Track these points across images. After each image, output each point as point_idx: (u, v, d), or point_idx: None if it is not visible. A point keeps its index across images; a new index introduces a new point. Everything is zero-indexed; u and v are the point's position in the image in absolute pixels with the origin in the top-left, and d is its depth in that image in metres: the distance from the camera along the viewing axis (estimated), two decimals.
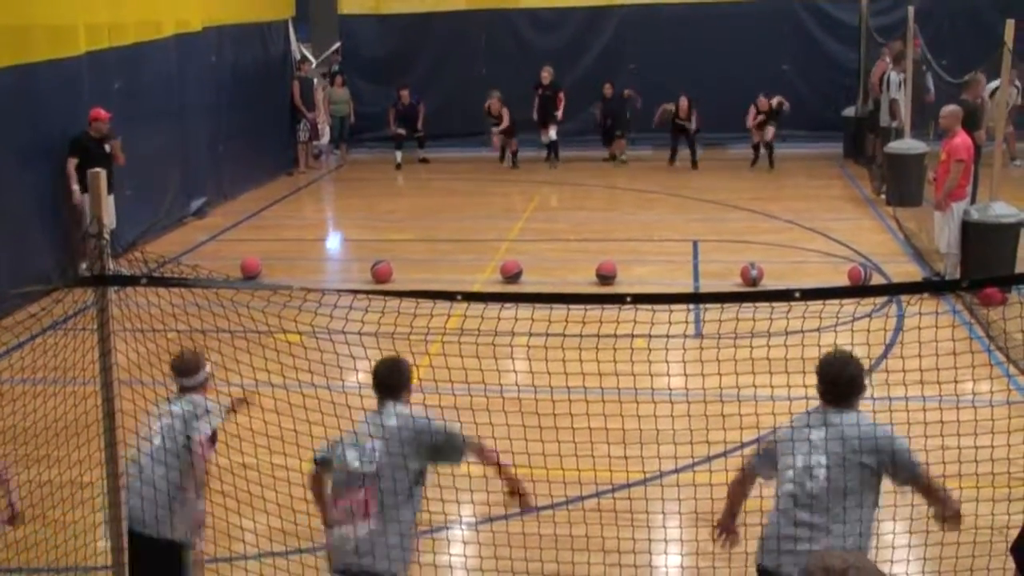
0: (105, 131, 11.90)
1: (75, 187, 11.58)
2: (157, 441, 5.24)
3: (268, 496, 5.50)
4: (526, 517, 6.02)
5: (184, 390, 5.38)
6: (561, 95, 18.69)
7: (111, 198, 11.34)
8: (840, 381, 4.99)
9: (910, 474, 4.84)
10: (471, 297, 4.24)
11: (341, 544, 4.77)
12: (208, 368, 5.43)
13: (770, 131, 17.95)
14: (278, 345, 5.38)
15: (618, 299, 4.05)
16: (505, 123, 18.60)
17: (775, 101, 17.92)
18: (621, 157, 19.00)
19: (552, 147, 18.99)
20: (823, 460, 4.79)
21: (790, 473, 4.87)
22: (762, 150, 18.12)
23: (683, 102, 18.07)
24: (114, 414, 4.81)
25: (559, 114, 18.77)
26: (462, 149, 18.96)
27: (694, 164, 18.42)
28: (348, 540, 4.73)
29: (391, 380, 5.15)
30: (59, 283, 5.38)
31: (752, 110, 17.97)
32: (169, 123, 14.71)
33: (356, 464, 4.81)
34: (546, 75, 18.71)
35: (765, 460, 5.19)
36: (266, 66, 18.35)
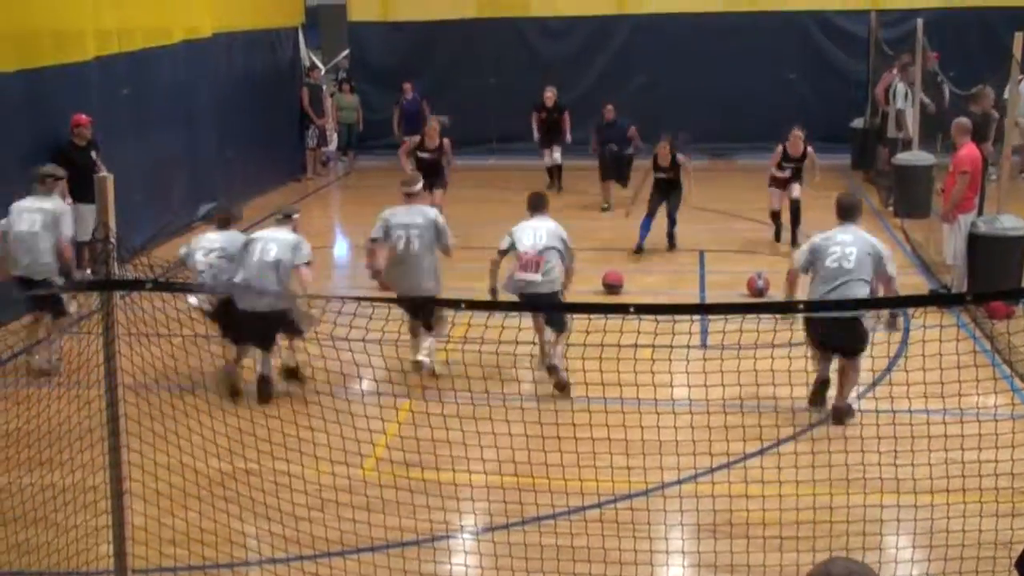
0: (89, 137, 11.71)
1: (67, 199, 11.50)
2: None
3: (270, 502, 5.51)
4: (528, 527, 6.01)
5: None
6: (567, 116, 17.40)
7: (93, 207, 11.30)
8: (852, 204, 8.53)
9: (885, 272, 8.00)
10: (475, 305, 4.24)
11: (526, 285, 8.90)
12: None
13: (796, 188, 13.39)
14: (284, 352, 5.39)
15: (622, 309, 4.05)
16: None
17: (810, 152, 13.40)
18: (604, 205, 16.24)
19: (556, 171, 17.71)
20: (853, 250, 7.99)
21: (834, 255, 8.01)
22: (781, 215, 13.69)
23: (663, 148, 13.47)
24: (118, 418, 4.82)
25: (567, 137, 17.47)
26: (470, 157, 18.95)
27: (671, 243, 13.69)
28: (532, 282, 8.88)
29: (541, 202, 9.73)
30: (65, 287, 5.39)
31: (778, 151, 13.48)
32: (178, 128, 14.75)
33: (531, 244, 9.08)
34: (550, 96, 17.37)
35: (807, 264, 8.22)
36: (275, 72, 18.40)
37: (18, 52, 11.12)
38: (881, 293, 8.02)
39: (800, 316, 7.61)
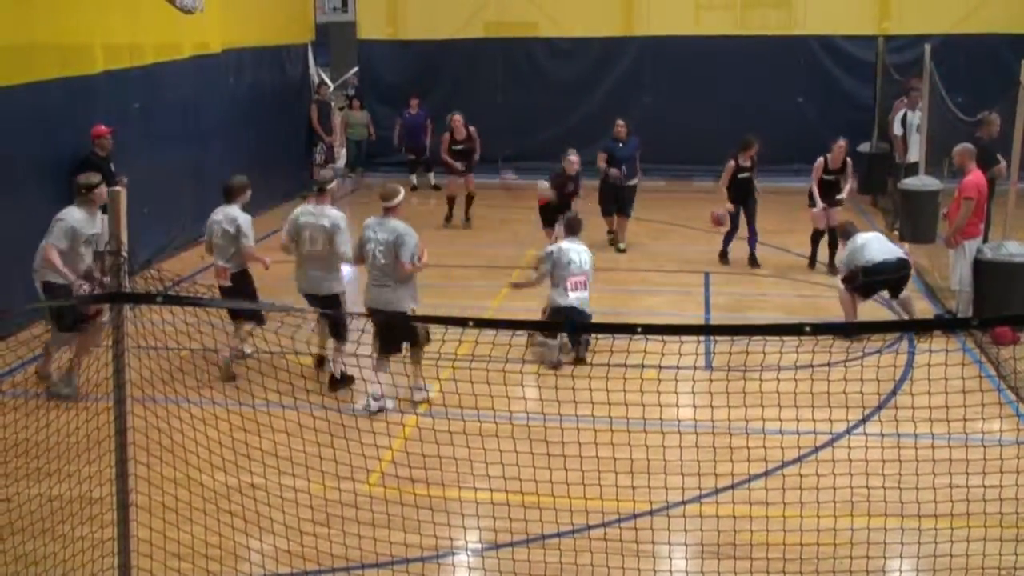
0: (110, 148, 11.78)
1: None
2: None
3: (276, 517, 5.52)
4: (533, 545, 6.02)
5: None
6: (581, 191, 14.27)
7: (107, 218, 11.36)
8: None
9: None
10: (482, 324, 4.27)
11: (579, 302, 9.92)
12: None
13: (837, 213, 13.31)
14: (290, 367, 5.41)
15: (628, 329, 4.07)
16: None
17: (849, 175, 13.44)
18: (620, 245, 15.01)
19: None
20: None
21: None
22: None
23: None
24: (126, 430, 4.85)
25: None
26: (476, 175, 18.99)
27: (753, 262, 13.67)
28: (581, 299, 9.98)
29: (579, 226, 10.86)
30: (75, 300, 5.43)
31: (819, 165, 13.39)
32: (186, 143, 14.83)
33: (579, 266, 10.20)
34: (574, 162, 13.95)
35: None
36: (284, 89, 18.49)
37: (28, 65, 11.20)
38: None
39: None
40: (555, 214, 13.38)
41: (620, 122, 14.88)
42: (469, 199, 16.92)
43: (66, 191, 11.75)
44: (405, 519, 5.72)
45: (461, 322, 4.23)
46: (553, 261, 10.17)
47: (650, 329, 4.08)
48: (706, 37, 19.36)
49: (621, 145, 14.75)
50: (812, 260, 13.72)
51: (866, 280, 10.48)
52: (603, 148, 14.86)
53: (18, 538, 6.12)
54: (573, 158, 13.91)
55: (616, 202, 14.82)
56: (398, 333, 8.52)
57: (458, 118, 16.54)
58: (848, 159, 13.51)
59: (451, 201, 16.97)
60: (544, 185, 13.99)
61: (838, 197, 13.39)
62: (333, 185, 10.06)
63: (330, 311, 8.72)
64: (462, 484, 5.97)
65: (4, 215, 10.88)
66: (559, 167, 14.01)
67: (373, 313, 8.51)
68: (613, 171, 14.56)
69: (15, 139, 11.05)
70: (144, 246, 13.05)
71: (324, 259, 9.25)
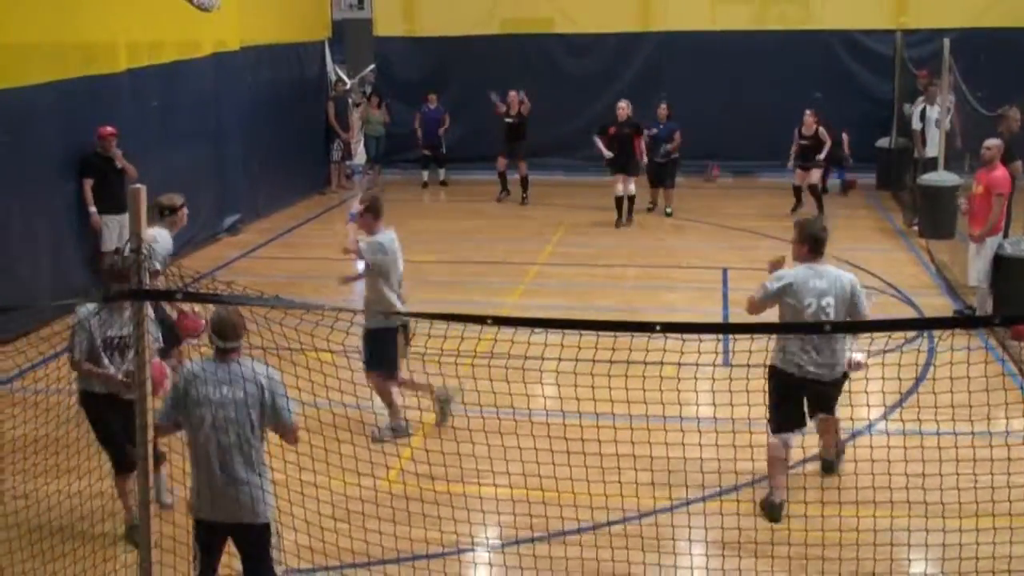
0: (112, 149, 11.66)
1: (92, 209, 11.59)
2: None
3: (297, 512, 5.53)
4: (553, 540, 6.02)
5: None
6: (641, 139, 15.96)
7: (116, 217, 11.43)
8: (824, 237, 6.81)
9: (859, 308, 6.70)
10: (501, 321, 4.26)
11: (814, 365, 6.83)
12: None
13: (815, 174, 16.08)
14: (309, 363, 5.41)
15: (647, 327, 4.06)
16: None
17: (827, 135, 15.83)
18: (667, 210, 16.69)
19: (628, 203, 16.08)
20: (831, 300, 6.60)
21: (810, 310, 6.57)
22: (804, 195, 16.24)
23: (809, 117, 16.00)
24: (147, 426, 4.86)
25: (643, 159, 16.03)
26: (491, 172, 19.00)
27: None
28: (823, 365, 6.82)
29: (824, 240, 7.17)
30: (96, 296, 5.45)
31: (795, 133, 16.28)
32: (205, 141, 14.87)
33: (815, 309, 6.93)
34: (623, 109, 15.84)
35: (771, 299, 6.77)
36: (301, 86, 18.53)
37: (50, 64, 11.26)
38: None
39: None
40: (619, 156, 15.73)
41: (663, 105, 16.54)
42: (524, 180, 17.90)
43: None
44: (425, 515, 5.72)
45: (480, 319, 4.22)
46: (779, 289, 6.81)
47: (669, 327, 4.06)
48: (723, 32, 19.28)
49: (661, 126, 16.35)
50: (795, 209, 16.20)
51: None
52: (645, 126, 16.27)
53: (35, 535, 6.15)
54: (622, 103, 15.96)
55: (659, 175, 16.54)
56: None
57: (514, 94, 17.79)
58: (821, 127, 15.97)
59: (503, 176, 18.18)
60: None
61: (816, 158, 16.01)
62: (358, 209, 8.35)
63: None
64: (481, 480, 5.96)
65: (30, 212, 10.95)
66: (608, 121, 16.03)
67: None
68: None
69: (41, 137, 11.13)
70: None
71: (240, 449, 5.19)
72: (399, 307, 7.92)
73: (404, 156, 20.32)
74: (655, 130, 16.29)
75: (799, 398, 6.75)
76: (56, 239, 11.40)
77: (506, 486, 6.37)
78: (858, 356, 6.63)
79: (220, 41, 15.16)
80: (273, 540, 5.20)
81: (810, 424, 6.98)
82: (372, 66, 21.81)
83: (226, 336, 5.08)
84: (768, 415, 6.69)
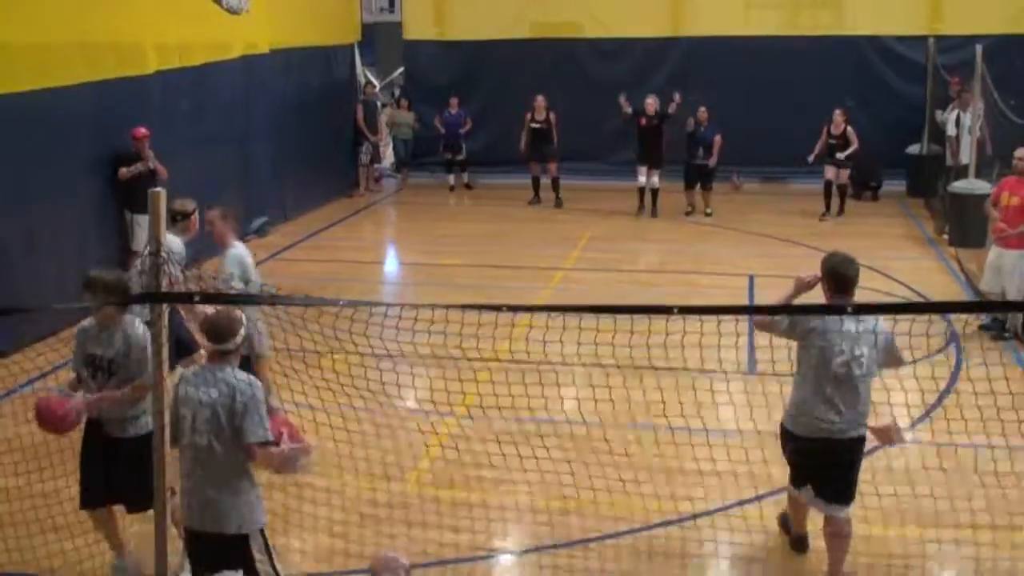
0: (145, 150, 11.84)
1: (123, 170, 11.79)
2: None
3: (320, 514, 5.53)
4: (575, 548, 5.98)
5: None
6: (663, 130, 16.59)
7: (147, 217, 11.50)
8: (851, 275, 5.72)
9: (895, 356, 5.70)
10: (515, 308, 4.25)
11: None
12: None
13: (844, 174, 16.52)
14: (336, 366, 5.40)
15: (665, 310, 4.01)
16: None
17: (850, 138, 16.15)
18: (707, 210, 16.97)
19: (652, 196, 16.89)
20: (865, 351, 5.54)
21: (840, 359, 5.51)
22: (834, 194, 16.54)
23: (838, 116, 16.34)
24: (164, 428, 4.87)
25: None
26: (518, 176, 18.98)
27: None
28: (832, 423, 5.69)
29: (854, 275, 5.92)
30: (116, 299, 5.46)
31: (824, 131, 16.45)
32: (234, 143, 14.94)
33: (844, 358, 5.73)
34: (651, 103, 16.60)
35: (785, 333, 5.79)
36: (331, 89, 18.59)
37: (83, 65, 11.35)
38: None
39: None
40: (647, 147, 16.47)
41: (702, 108, 16.63)
42: (555, 183, 18.01)
43: (114, 189, 11.95)
44: (444, 518, 5.70)
45: (495, 307, 4.21)
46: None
47: (687, 310, 4.00)
48: (754, 37, 19.14)
49: (703, 129, 16.58)
50: (825, 210, 16.63)
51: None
52: (673, 112, 16.51)
53: (51, 536, 6.17)
54: (650, 99, 16.61)
55: (698, 178, 16.76)
56: None
57: (540, 99, 17.87)
58: (848, 127, 16.28)
59: (536, 182, 18.23)
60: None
61: (840, 156, 16.30)
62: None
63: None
64: (501, 487, 5.94)
65: (60, 213, 11.03)
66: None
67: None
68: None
69: (73, 138, 11.20)
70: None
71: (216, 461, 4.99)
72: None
73: (432, 159, 20.36)
74: (692, 127, 16.57)
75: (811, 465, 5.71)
76: (87, 240, 11.48)
77: (527, 493, 6.34)
78: (900, 427, 5.57)
79: (250, 44, 15.23)
80: (257, 555, 4.95)
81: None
82: (401, 69, 21.86)
83: (216, 338, 4.94)
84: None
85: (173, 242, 7.78)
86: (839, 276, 5.74)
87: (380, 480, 5.69)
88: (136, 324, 5.62)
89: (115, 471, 5.66)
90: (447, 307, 4.39)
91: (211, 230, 7.81)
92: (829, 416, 5.52)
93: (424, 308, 4.48)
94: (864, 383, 5.56)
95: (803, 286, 5.89)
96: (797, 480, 5.78)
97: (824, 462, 5.59)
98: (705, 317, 4.10)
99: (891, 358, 5.73)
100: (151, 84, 12.67)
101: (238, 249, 7.78)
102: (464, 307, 4.29)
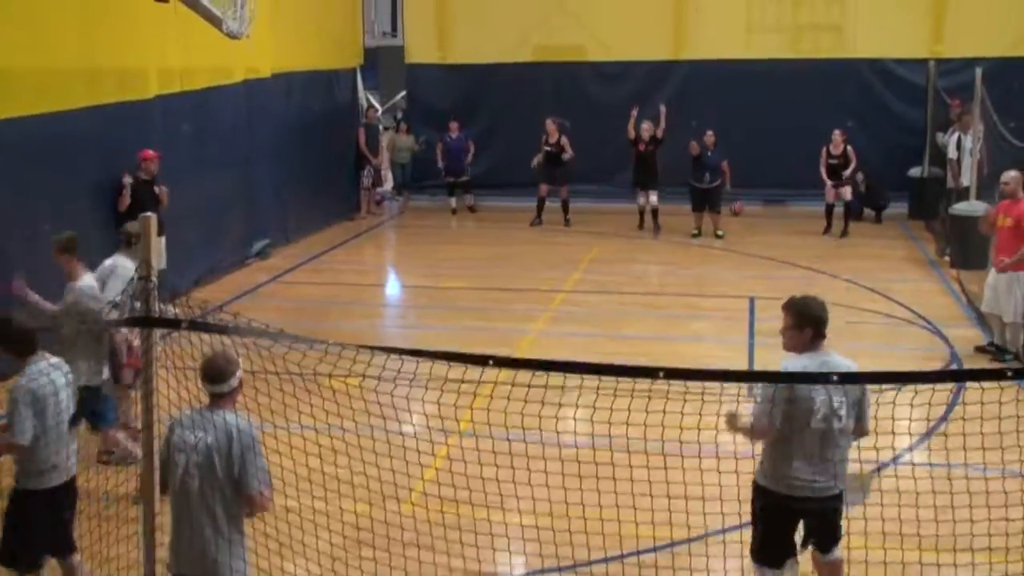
0: (155, 171, 11.92)
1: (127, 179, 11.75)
2: None
3: (308, 542, 5.49)
4: (580, 570, 5.94)
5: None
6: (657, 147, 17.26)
7: (163, 240, 11.54)
8: (826, 317, 5.57)
9: (865, 417, 5.48)
10: (502, 363, 4.24)
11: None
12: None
13: (846, 191, 16.77)
14: (323, 392, 5.38)
15: (650, 373, 4.01)
16: None
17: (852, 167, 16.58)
18: (718, 232, 17.13)
19: (652, 214, 17.48)
20: (843, 400, 5.31)
21: (819, 415, 5.27)
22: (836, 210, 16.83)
23: (837, 137, 16.72)
24: (154, 454, 4.85)
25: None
26: (521, 199, 19.01)
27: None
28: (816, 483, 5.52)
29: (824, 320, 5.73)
30: (108, 324, 5.46)
31: (823, 152, 16.84)
32: (236, 166, 14.97)
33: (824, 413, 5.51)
34: (647, 129, 17.31)
35: (777, 409, 5.33)
36: (333, 113, 18.66)
37: (85, 89, 11.39)
38: None
39: None
40: (642, 170, 17.21)
41: (709, 132, 17.03)
42: (564, 204, 18.33)
43: (117, 213, 11.95)
44: (445, 540, 5.66)
45: (482, 360, 4.20)
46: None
47: (672, 373, 4.00)
48: (755, 60, 19.19)
49: (709, 153, 16.92)
50: (827, 227, 16.92)
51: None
52: (695, 148, 16.96)
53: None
54: (646, 124, 17.26)
55: (705, 201, 17.06)
56: None
57: (549, 122, 18.18)
58: (848, 147, 16.65)
59: (541, 203, 18.43)
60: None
61: (844, 174, 16.66)
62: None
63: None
64: (503, 506, 5.89)
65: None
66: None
67: None
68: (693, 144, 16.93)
69: (73, 162, 11.23)
70: (193, 267, 13.22)
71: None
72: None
73: (432, 182, 20.38)
74: (698, 151, 16.83)
75: (791, 526, 5.59)
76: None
77: (530, 512, 6.29)
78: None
79: (252, 68, 15.29)
80: None
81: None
82: (403, 93, 21.95)
83: (210, 379, 4.76)
84: (752, 542, 5.69)
85: (122, 264, 7.80)
86: (820, 320, 5.56)
87: (378, 501, 5.66)
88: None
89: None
90: (433, 357, 4.37)
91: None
92: (813, 471, 5.34)
93: (408, 357, 4.45)
94: (845, 439, 5.41)
95: (732, 420, 5.44)
96: (776, 557, 5.52)
97: (812, 523, 5.51)
98: (690, 381, 4.08)
99: (862, 414, 5.48)
100: (152, 108, 12.72)
101: (85, 282, 7.48)
102: (449, 358, 4.27)
